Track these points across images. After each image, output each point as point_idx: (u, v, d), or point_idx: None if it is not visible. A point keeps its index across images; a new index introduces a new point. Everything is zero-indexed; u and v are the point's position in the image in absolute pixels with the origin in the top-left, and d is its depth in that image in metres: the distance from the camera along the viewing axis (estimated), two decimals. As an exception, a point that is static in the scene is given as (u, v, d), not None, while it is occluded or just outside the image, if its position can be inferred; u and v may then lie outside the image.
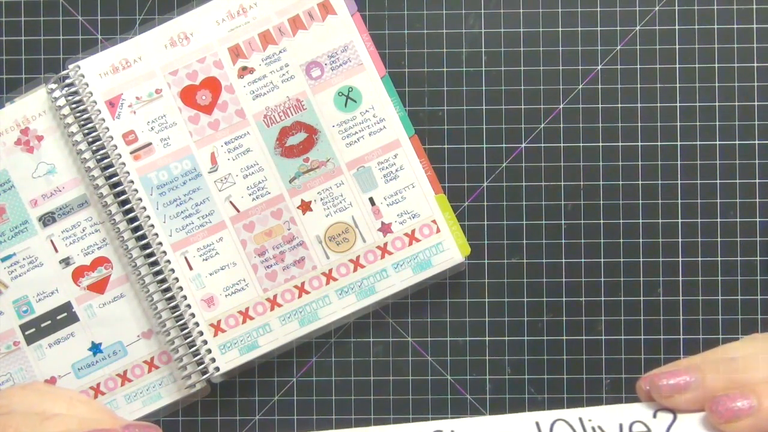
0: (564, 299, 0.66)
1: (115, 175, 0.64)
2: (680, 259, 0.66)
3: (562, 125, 0.66)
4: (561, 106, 0.66)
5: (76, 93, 0.64)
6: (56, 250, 0.65)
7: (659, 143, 0.66)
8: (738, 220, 0.66)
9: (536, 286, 0.66)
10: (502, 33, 0.67)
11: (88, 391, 0.65)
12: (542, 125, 0.66)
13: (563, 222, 0.66)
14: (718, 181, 0.66)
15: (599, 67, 0.66)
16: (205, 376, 0.64)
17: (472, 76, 0.66)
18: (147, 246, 0.64)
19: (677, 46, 0.66)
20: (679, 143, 0.66)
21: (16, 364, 0.65)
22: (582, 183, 0.66)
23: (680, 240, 0.66)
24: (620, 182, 0.66)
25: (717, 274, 0.66)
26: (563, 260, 0.66)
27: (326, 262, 0.65)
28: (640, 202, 0.66)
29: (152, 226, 0.64)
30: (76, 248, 0.65)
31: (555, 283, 0.66)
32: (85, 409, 0.51)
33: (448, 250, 0.65)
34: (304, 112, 0.65)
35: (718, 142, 0.66)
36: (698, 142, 0.66)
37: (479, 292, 0.66)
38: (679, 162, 0.66)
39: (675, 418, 0.43)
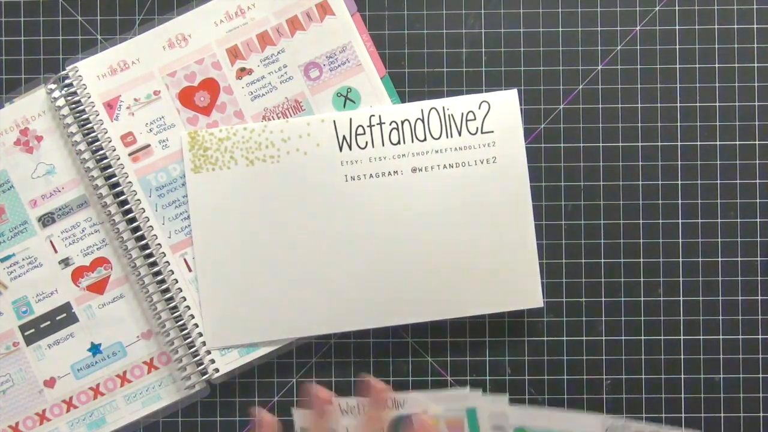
0: (564, 299, 0.66)
1: (114, 176, 0.64)
2: (680, 260, 0.66)
3: (562, 125, 0.66)
4: (561, 106, 0.66)
5: (74, 94, 0.64)
6: (56, 251, 0.65)
7: (659, 143, 0.66)
8: (738, 220, 0.66)
9: (536, 287, 0.66)
10: (502, 33, 0.66)
11: (88, 391, 0.65)
12: (542, 126, 0.66)
13: (563, 222, 0.66)
14: (718, 182, 0.66)
15: (599, 68, 0.66)
16: (204, 377, 0.64)
17: (472, 76, 0.66)
18: (146, 247, 0.64)
19: (677, 47, 0.66)
20: (679, 143, 0.66)
21: (15, 365, 0.65)
22: (582, 183, 0.66)
23: (680, 240, 0.66)
24: (620, 183, 0.66)
25: (717, 274, 0.66)
26: (563, 261, 0.66)
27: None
28: (641, 202, 0.66)
29: (151, 227, 0.64)
30: (76, 249, 0.65)
31: (555, 283, 0.66)
32: None
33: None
34: (303, 113, 0.65)
35: (718, 143, 0.66)
36: (698, 143, 0.66)
37: (479, 293, 0.66)
38: (679, 162, 0.66)
39: None
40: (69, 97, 0.64)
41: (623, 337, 0.66)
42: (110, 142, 0.64)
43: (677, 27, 0.66)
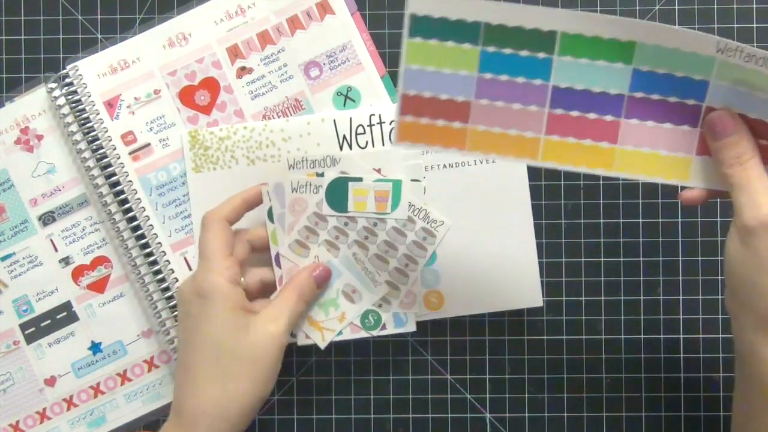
0: (564, 298, 0.66)
1: (114, 174, 0.64)
2: (680, 259, 0.66)
3: (561, 124, 0.66)
4: (561, 105, 0.66)
5: (75, 93, 0.64)
6: (56, 250, 0.65)
7: (659, 142, 0.66)
8: (738, 219, 0.66)
9: (536, 286, 0.66)
10: (501, 32, 0.66)
11: (88, 390, 0.65)
12: (542, 124, 0.66)
13: (563, 221, 0.66)
14: (718, 181, 0.66)
15: (599, 66, 0.66)
16: (204, 376, 0.64)
17: (471, 75, 0.66)
18: (146, 246, 0.64)
19: (677, 46, 0.66)
20: (679, 142, 0.66)
21: (15, 364, 0.65)
22: (582, 182, 0.66)
23: (680, 239, 0.66)
24: (620, 181, 0.66)
25: (717, 273, 0.66)
26: (563, 260, 0.66)
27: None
28: (640, 201, 0.66)
29: (151, 226, 0.64)
30: (76, 247, 0.65)
31: (555, 282, 0.66)
32: None
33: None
34: (303, 112, 0.65)
35: (718, 142, 0.66)
36: (698, 142, 0.66)
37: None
38: (679, 161, 0.66)
39: None
40: (69, 96, 0.64)
41: (623, 336, 0.66)
42: (110, 141, 0.64)
43: (677, 26, 0.66)
